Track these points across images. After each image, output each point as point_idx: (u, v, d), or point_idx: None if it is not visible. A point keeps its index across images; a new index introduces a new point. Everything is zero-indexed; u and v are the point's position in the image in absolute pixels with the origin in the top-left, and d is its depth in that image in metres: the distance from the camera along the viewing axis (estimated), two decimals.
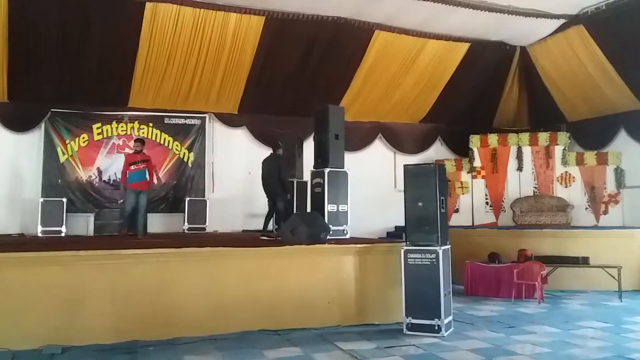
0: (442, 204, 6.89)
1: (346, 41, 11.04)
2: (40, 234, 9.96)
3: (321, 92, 11.58)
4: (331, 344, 6.27)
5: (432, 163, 7.68)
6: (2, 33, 9.32)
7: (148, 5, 9.50)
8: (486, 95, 13.11)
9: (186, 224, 11.05)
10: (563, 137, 12.52)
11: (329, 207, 8.33)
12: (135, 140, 9.65)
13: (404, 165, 7.24)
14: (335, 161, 8.56)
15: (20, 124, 10.70)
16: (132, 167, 9.02)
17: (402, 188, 7.32)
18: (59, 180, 10.80)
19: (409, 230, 6.98)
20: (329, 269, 7.33)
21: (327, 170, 8.40)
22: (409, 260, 6.82)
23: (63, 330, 6.15)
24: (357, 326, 7.11)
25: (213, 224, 11.24)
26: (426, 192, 6.85)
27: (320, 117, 8.88)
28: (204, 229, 11.09)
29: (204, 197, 11.58)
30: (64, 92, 10.58)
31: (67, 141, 10.95)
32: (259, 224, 11.64)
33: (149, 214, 10.81)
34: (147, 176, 9.14)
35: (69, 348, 6.00)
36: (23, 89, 10.35)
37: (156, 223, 11.01)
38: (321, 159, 8.70)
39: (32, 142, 10.83)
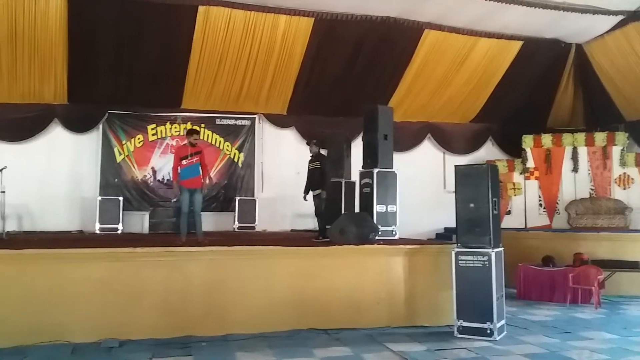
0: (495, 205, 6.76)
1: (395, 41, 10.96)
2: (98, 231, 10.35)
3: (369, 92, 11.54)
4: (380, 344, 6.25)
5: (484, 163, 7.55)
6: (62, 39, 9.74)
7: (200, 8, 9.69)
8: (540, 94, 12.74)
9: (236, 222, 11.24)
10: (621, 137, 12.03)
11: (377, 208, 8.32)
12: (188, 132, 8.25)
13: (455, 166, 7.14)
14: (384, 161, 8.55)
15: (79, 125, 11.16)
16: (184, 162, 7.86)
17: (452, 189, 7.24)
18: (116, 180, 11.21)
19: (460, 232, 6.88)
20: (377, 269, 7.31)
21: (376, 170, 8.39)
22: (460, 262, 6.73)
23: (120, 324, 6.38)
24: (407, 328, 7.06)
25: (262, 223, 11.39)
26: (478, 193, 6.73)
27: (369, 117, 8.88)
28: (254, 228, 11.26)
29: (253, 196, 11.76)
30: (121, 94, 10.96)
31: (124, 141, 11.36)
32: (306, 224, 11.79)
33: (201, 213, 11.11)
34: (201, 171, 7.99)
35: (126, 342, 6.21)
36: (82, 91, 10.76)
37: (207, 222, 11.10)
38: (370, 159, 8.70)
39: (90, 143, 11.27)
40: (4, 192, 8.48)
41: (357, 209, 9.43)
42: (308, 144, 9.01)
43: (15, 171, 8.89)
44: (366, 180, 8.60)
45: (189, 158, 7.90)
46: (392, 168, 8.61)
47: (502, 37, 11.35)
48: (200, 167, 7.93)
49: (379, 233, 7.90)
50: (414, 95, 12.32)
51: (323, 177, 8.57)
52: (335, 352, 5.92)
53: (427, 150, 13.16)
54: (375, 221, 8.07)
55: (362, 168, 8.87)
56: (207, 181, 8.12)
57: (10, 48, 9.67)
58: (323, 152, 9.37)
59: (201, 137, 11.45)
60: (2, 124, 10.52)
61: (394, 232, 8.36)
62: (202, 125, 11.72)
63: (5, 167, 8.50)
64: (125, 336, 6.31)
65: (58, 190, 10.87)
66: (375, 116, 8.64)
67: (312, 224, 11.76)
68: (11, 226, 9.97)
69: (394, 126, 8.91)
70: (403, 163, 9.65)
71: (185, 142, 8.11)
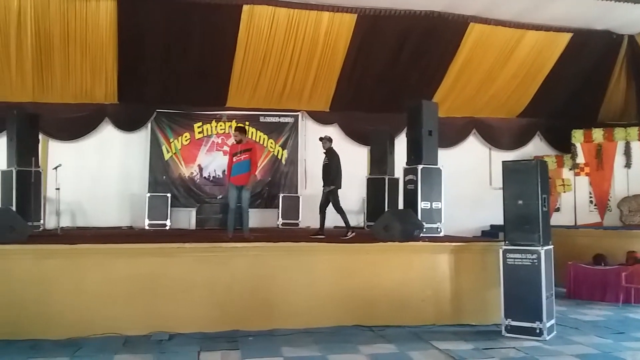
0: (544, 202, 6.60)
1: (439, 35, 10.82)
2: (147, 227, 10.64)
3: (413, 87, 11.44)
4: (426, 342, 6.20)
5: (533, 159, 7.37)
6: (112, 40, 10.05)
7: (245, 7, 9.83)
8: (590, 87, 12.34)
9: (280, 219, 11.36)
10: None
11: (422, 205, 8.24)
12: (235, 129, 8.49)
13: (503, 162, 6.98)
14: (429, 158, 8.45)
15: (128, 124, 11.49)
16: (234, 159, 8.03)
17: (498, 185, 7.11)
18: (164, 177, 11.51)
19: (508, 229, 6.75)
20: (423, 267, 7.25)
21: (420, 166, 8.31)
22: (508, 260, 6.60)
23: (170, 318, 6.54)
24: (453, 326, 6.98)
25: (306, 219, 11.44)
26: (527, 189, 6.58)
27: (413, 113, 8.79)
28: (297, 224, 11.34)
29: (296, 193, 11.84)
30: (168, 93, 11.23)
31: (171, 140, 11.65)
32: (350, 220, 11.75)
33: None
34: (250, 168, 8.02)
35: (175, 335, 6.37)
36: (131, 91, 11.07)
37: (252, 218, 11.22)
38: (414, 155, 8.62)
39: (139, 141, 11.60)
40: (58, 189, 8.82)
41: (400, 206, 9.38)
42: (320, 140, 8.96)
43: (68, 169, 9.24)
44: (410, 176, 8.51)
45: (238, 155, 8.04)
46: (436, 164, 8.50)
47: (551, 29, 11.05)
48: (249, 165, 8.00)
49: (424, 230, 7.83)
50: (459, 90, 12.14)
51: (329, 174, 8.62)
52: (380, 349, 5.91)
53: (473, 146, 12.94)
54: (419, 218, 8.00)
55: (406, 164, 8.79)
56: (251, 178, 8.16)
57: (63, 50, 10.06)
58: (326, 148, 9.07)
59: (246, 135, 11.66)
60: (57, 123, 10.93)
61: (438, 229, 8.27)
62: (247, 122, 11.85)
63: (60, 165, 8.84)
64: (175, 329, 6.47)
65: (109, 187, 11.25)
66: (420, 112, 8.54)
67: (355, 220, 11.82)
68: (65, 222, 10.35)
69: (438, 122, 8.80)
70: (447, 159, 9.51)
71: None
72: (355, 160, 11.99)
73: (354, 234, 8.32)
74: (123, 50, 10.27)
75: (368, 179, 10.93)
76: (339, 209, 8.68)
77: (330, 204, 8.70)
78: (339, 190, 8.71)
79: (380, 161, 10.77)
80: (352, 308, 6.95)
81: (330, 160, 8.67)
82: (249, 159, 7.99)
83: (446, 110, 11.91)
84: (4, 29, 9.49)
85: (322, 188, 8.79)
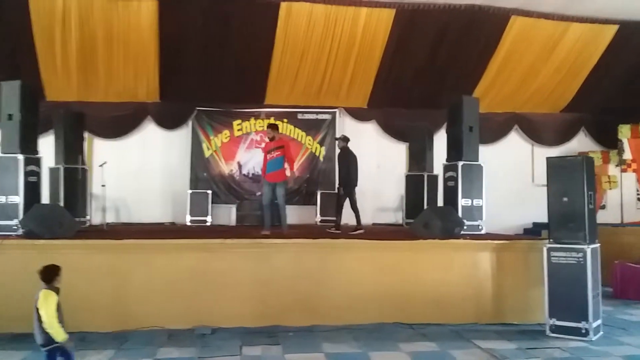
0: (590, 199, 6.43)
1: (479, 29, 10.61)
2: (189, 223, 10.81)
3: (452, 83, 11.27)
4: (468, 341, 6.14)
5: (578, 155, 7.18)
6: (154, 40, 10.22)
7: (283, 5, 9.84)
8: (637, 81, 11.88)
9: (318, 216, 11.36)
10: None
11: (462, 202, 8.16)
12: (267, 127, 8.79)
13: (547, 158, 6.83)
14: (469, 154, 8.36)
15: (170, 122, 11.70)
16: (268, 157, 8.26)
17: (542, 182, 6.97)
18: (205, 174, 11.67)
19: (552, 227, 6.61)
20: (464, 265, 7.18)
21: (460, 163, 8.22)
22: (552, 258, 6.47)
23: (212, 313, 6.68)
24: (495, 325, 6.91)
25: (343, 216, 11.36)
26: (572, 186, 6.43)
27: (453, 109, 8.70)
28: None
29: (334, 190, 11.81)
30: (208, 91, 11.35)
31: (211, 137, 11.80)
32: (388, 218, 11.74)
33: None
34: (284, 164, 8.24)
35: (217, 329, 6.50)
36: (172, 89, 11.24)
37: (290, 215, 11.31)
38: (454, 152, 8.53)
39: (180, 139, 11.79)
40: (104, 185, 9.06)
41: (439, 203, 9.27)
42: (336, 139, 9.00)
43: (112, 166, 9.45)
44: (450, 173, 8.43)
45: (271, 153, 8.25)
46: (477, 161, 8.39)
47: (596, 22, 10.68)
48: (283, 161, 8.15)
49: (465, 228, 7.74)
50: (500, 85, 11.89)
51: (340, 174, 8.97)
52: (422, 347, 5.89)
53: (514, 141, 12.65)
54: (460, 215, 7.91)
55: (446, 161, 8.70)
56: (289, 174, 8.32)
57: (106, 50, 10.29)
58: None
59: (284, 132, 11.76)
60: (101, 122, 11.21)
61: (480, 227, 8.16)
62: (285, 120, 11.94)
63: (105, 163, 9.08)
64: (217, 324, 6.60)
65: (152, 184, 11.47)
66: (460, 107, 8.44)
67: (393, 217, 11.77)
68: (110, 218, 10.62)
69: (479, 117, 8.65)
70: (488, 155, 9.37)
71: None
72: (393, 157, 11.96)
73: (362, 231, 8.46)
74: (164, 50, 10.44)
75: (407, 176, 10.83)
76: (354, 207, 9.04)
77: (347, 200, 9.01)
78: (356, 188, 9.08)
79: (419, 158, 10.66)
80: (392, 305, 6.95)
81: (340, 161, 9.06)
82: (282, 156, 8.17)
83: (487, 106, 11.66)
84: (49, 31, 9.77)
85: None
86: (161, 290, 6.68)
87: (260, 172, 11.35)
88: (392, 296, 6.94)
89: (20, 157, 7.50)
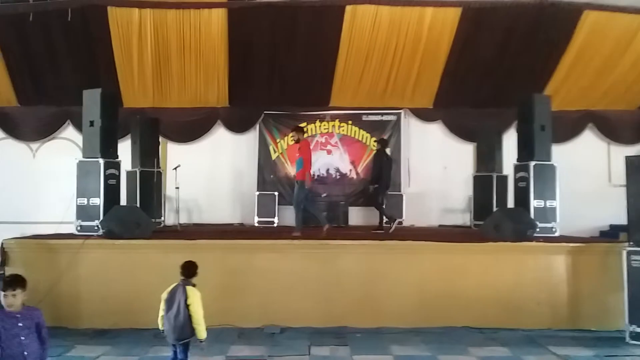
0: None
1: (550, 25, 10.23)
2: (256, 224, 11.08)
3: (521, 81, 10.90)
4: (542, 347, 5.97)
5: None
6: (224, 48, 10.57)
7: (348, 8, 9.92)
8: None
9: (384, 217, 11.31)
10: None
11: (535, 203, 7.94)
12: (292, 130, 9.03)
13: (626, 157, 6.53)
14: (542, 154, 8.12)
15: (239, 126, 12.05)
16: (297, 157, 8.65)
17: (620, 182, 6.66)
18: (272, 176, 11.93)
19: (632, 230, 6.32)
20: (537, 268, 6.98)
21: (532, 163, 8.01)
22: (632, 262, 6.18)
23: (281, 312, 6.82)
24: (570, 331, 6.67)
25: (409, 218, 11.34)
26: None
27: (524, 107, 8.49)
28: (401, 222, 11.21)
29: (400, 191, 11.75)
30: (275, 95, 11.60)
31: (278, 140, 12.06)
32: (455, 219, 11.55)
33: (349, 207, 11.39)
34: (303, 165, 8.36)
35: (286, 329, 6.62)
36: (241, 94, 11.56)
37: (356, 216, 11.53)
38: (526, 151, 8.31)
39: (248, 142, 12.10)
40: (178, 188, 9.45)
41: (509, 204, 9.04)
42: (375, 141, 9.36)
43: (185, 169, 9.82)
44: (522, 174, 8.21)
45: (297, 154, 8.68)
46: (550, 161, 8.14)
47: None
48: (302, 162, 8.39)
49: (537, 230, 7.51)
50: (572, 82, 11.42)
51: (372, 173, 9.74)
52: (493, 352, 5.78)
53: (589, 140, 12.09)
54: (532, 217, 7.68)
55: (517, 161, 8.48)
56: (308, 177, 8.40)
57: (179, 58, 10.73)
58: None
59: (348, 133, 11.89)
60: (175, 127, 11.68)
61: (553, 229, 7.90)
62: (350, 122, 12.01)
63: (179, 166, 9.46)
64: (286, 323, 6.73)
65: (221, 186, 11.85)
66: (531, 106, 8.21)
67: (461, 219, 11.58)
68: (183, 219, 11.05)
69: (551, 115, 8.38)
70: (561, 155, 9.07)
71: None
72: (460, 157, 11.75)
73: (382, 231, 8.91)
74: (233, 56, 10.76)
75: (475, 177, 10.64)
76: (378, 206, 9.75)
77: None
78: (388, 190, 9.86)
79: (487, 158, 10.44)
80: (461, 309, 6.85)
81: (373, 162, 9.85)
82: (301, 157, 8.42)
83: (559, 104, 11.22)
84: (127, 41, 10.31)
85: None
86: (232, 289, 6.88)
87: (325, 174, 11.76)
88: (461, 299, 6.83)
89: (101, 161, 7.95)
